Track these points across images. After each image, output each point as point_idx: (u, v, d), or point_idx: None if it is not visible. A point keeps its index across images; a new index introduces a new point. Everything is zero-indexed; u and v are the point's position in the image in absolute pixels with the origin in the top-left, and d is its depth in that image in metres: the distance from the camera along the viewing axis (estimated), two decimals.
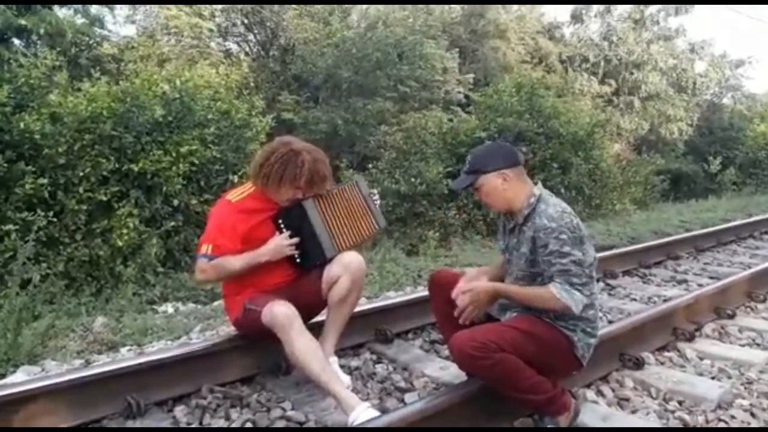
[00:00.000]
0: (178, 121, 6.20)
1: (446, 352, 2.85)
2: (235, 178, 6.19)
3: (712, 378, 2.81)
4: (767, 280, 4.36)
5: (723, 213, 9.68)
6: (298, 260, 2.68)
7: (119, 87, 6.21)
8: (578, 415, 2.26)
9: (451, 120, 11.09)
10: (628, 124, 18.02)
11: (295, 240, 2.61)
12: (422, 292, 3.58)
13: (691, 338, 3.26)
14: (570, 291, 2.10)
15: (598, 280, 2.31)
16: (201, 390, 2.53)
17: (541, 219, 2.17)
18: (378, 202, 2.90)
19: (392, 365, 2.96)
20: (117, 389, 2.35)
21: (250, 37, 13.01)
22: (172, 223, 5.84)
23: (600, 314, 2.65)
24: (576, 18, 19.57)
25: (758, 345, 3.34)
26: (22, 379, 2.70)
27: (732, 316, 3.70)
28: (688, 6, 18.80)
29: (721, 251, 6.26)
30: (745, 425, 2.39)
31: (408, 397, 2.58)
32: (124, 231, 5.50)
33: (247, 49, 13.17)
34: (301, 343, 2.33)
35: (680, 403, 2.56)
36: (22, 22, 8.98)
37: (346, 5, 12.76)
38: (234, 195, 2.66)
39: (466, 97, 13.14)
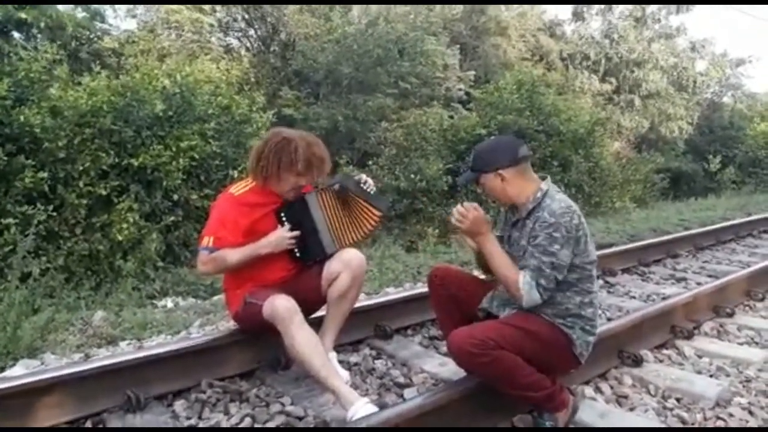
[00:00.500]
0: (179, 115, 6.20)
1: (445, 349, 2.84)
2: (235, 174, 6.20)
3: (711, 376, 2.81)
4: (766, 279, 4.36)
5: (722, 212, 9.67)
6: (298, 255, 2.68)
7: (119, 81, 6.22)
8: (576, 411, 2.26)
9: (451, 117, 11.10)
10: (629, 123, 18.02)
11: (297, 233, 2.61)
12: (422, 288, 3.58)
13: (689, 336, 3.26)
14: (532, 290, 2.11)
15: (597, 278, 2.31)
16: (200, 384, 2.54)
17: (543, 213, 2.17)
18: (373, 189, 2.78)
19: (391, 361, 2.97)
20: (116, 383, 2.36)
21: (251, 32, 12.99)
22: (172, 218, 5.85)
23: (599, 312, 2.65)
24: (577, 15, 19.56)
25: (757, 343, 3.35)
26: (21, 373, 2.70)
27: (731, 315, 3.70)
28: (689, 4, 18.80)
29: (720, 250, 6.26)
30: (743, 423, 2.39)
31: (407, 393, 2.59)
32: (124, 225, 5.51)
33: (248, 44, 13.16)
34: (301, 337, 2.34)
35: (678, 400, 2.56)
36: (23, 15, 8.98)
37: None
38: (237, 189, 2.66)
39: (467, 94, 13.14)
